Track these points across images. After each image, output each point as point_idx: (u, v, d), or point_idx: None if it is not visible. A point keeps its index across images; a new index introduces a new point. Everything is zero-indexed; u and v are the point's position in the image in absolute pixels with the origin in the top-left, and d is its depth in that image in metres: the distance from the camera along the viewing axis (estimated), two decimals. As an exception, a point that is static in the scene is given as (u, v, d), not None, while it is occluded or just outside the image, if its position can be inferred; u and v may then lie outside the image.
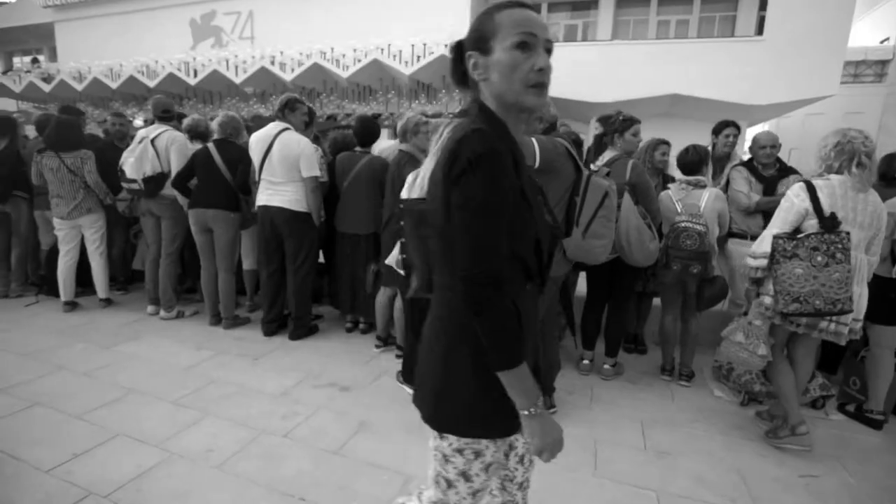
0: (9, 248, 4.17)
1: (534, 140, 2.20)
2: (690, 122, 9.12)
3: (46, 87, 12.80)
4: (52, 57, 15.76)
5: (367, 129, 3.50)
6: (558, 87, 9.75)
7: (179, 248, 3.81)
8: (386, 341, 3.40)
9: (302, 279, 3.43)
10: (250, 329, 3.70)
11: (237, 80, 10.91)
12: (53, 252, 4.14)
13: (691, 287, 3.04)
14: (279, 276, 3.51)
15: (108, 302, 4.07)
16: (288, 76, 10.53)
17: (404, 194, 2.43)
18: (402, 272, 2.19)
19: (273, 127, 3.27)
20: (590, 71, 9.59)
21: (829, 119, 4.99)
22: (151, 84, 12.38)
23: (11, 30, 15.73)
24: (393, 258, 2.45)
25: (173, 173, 3.58)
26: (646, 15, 11.60)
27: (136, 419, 2.40)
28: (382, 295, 3.25)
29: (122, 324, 3.72)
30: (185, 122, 3.94)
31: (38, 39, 16.09)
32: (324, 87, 10.88)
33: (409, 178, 2.45)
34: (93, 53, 13.87)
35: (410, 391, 2.76)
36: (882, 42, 11.37)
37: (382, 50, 9.99)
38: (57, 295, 4.16)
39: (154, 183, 3.58)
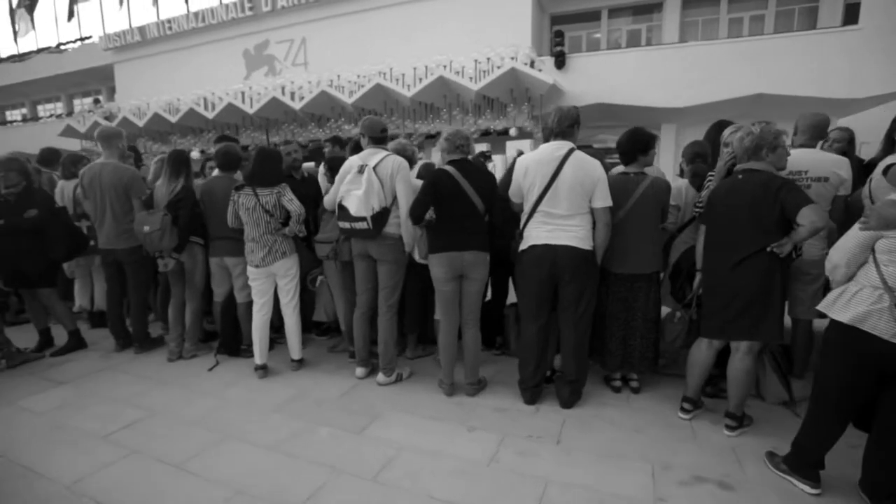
0: (184, 302, 3.51)
1: None
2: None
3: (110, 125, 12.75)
4: (110, 96, 16.17)
5: (638, 142, 2.84)
6: (624, 94, 9.16)
7: (400, 300, 3.13)
8: (696, 404, 2.69)
9: (583, 332, 2.73)
10: (494, 394, 2.99)
11: (296, 107, 10.56)
12: (229, 304, 3.50)
13: None
14: (547, 330, 2.83)
15: (300, 363, 3.39)
16: (348, 99, 10.19)
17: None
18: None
19: (557, 147, 2.61)
20: (658, 76, 9.06)
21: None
22: (210, 116, 12.14)
23: (73, 74, 16.22)
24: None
25: (401, 206, 2.94)
26: (716, 14, 11.10)
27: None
28: (705, 349, 2.54)
29: (340, 394, 3.02)
30: (392, 146, 3.32)
31: (98, 80, 16.55)
32: (384, 107, 10.53)
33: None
34: (148, 89, 13.96)
35: (810, 490, 2.04)
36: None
37: (445, 66, 9.62)
38: (232, 353, 3.55)
39: (381, 220, 2.94)
